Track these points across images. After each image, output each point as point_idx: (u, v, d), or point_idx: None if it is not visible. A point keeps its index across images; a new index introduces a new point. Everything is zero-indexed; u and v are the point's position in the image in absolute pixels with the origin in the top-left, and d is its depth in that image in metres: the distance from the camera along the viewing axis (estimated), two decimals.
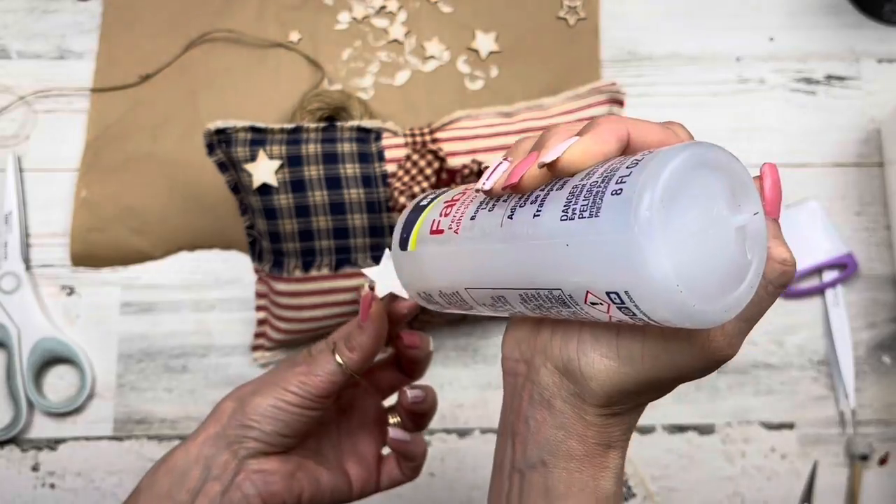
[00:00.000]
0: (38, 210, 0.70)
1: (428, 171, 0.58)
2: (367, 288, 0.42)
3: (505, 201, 0.31)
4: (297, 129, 0.60)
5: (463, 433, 0.66)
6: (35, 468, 0.65)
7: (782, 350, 0.68)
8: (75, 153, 0.71)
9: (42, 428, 0.66)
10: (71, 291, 0.68)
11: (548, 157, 0.28)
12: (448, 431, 0.66)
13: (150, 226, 0.69)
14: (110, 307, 0.68)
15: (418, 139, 0.60)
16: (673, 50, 0.74)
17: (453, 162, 0.60)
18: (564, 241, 0.27)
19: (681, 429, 0.67)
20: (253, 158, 0.59)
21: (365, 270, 0.43)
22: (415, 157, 0.59)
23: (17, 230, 0.68)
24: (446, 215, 0.34)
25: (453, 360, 0.67)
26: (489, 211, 0.31)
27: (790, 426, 0.67)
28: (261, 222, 0.61)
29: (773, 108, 0.73)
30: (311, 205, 0.60)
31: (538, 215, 0.28)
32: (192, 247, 0.69)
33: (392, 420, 0.47)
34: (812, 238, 0.69)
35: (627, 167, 0.26)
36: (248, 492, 0.41)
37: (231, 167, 0.61)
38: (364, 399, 0.48)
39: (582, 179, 0.28)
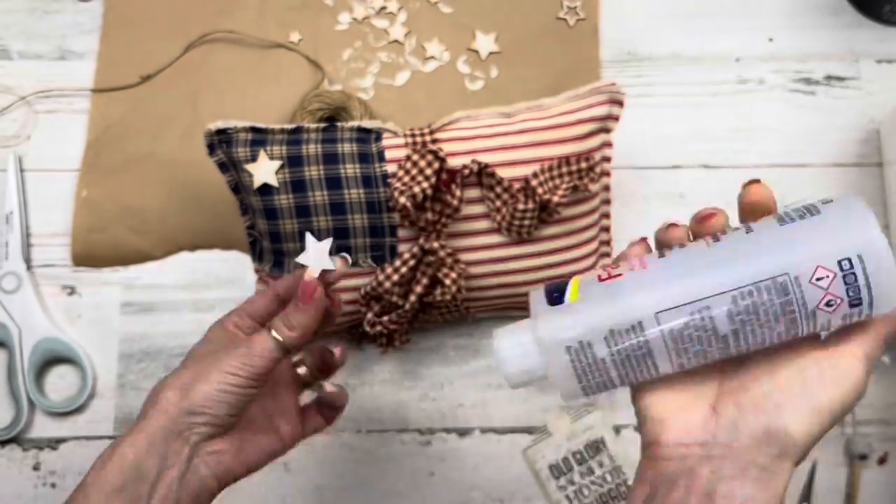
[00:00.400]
0: (39, 210, 0.70)
1: (428, 172, 0.58)
2: (308, 274, 0.46)
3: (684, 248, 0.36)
4: (298, 130, 0.60)
5: (463, 433, 0.66)
6: (36, 468, 0.65)
7: None
8: (76, 153, 0.71)
9: (43, 427, 0.66)
10: (72, 291, 0.68)
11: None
12: (448, 431, 0.66)
13: (150, 226, 0.69)
14: (111, 307, 0.68)
15: (418, 139, 0.60)
16: (673, 50, 0.74)
17: (453, 162, 0.60)
18: (791, 230, 0.33)
19: None
20: (253, 159, 0.59)
21: (298, 259, 0.47)
22: (415, 157, 0.59)
23: (18, 230, 0.68)
24: (617, 267, 0.37)
25: (453, 359, 0.68)
26: (680, 247, 0.36)
27: None
28: (261, 222, 0.61)
29: (772, 108, 0.73)
30: (312, 205, 0.60)
31: (751, 231, 0.35)
32: (193, 247, 0.69)
33: (300, 370, 0.52)
34: None
35: (804, 207, 0.35)
36: (204, 474, 0.44)
37: (232, 167, 0.61)
38: None
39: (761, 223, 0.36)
